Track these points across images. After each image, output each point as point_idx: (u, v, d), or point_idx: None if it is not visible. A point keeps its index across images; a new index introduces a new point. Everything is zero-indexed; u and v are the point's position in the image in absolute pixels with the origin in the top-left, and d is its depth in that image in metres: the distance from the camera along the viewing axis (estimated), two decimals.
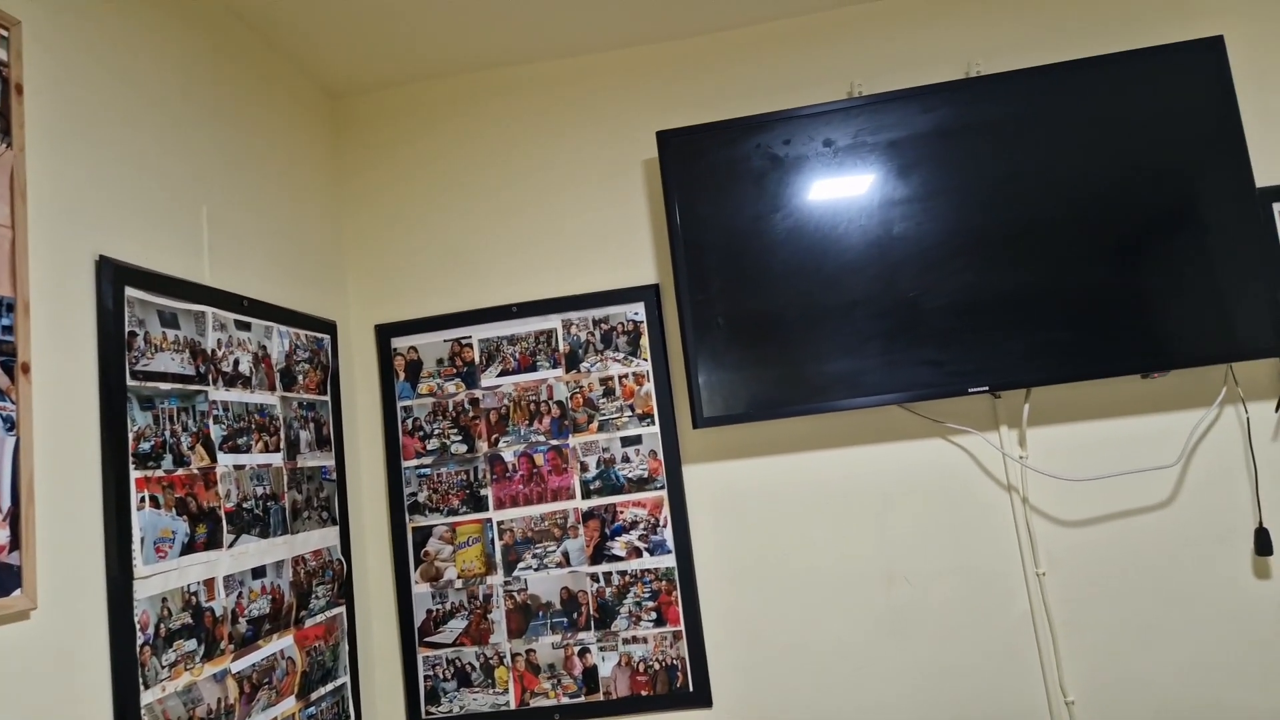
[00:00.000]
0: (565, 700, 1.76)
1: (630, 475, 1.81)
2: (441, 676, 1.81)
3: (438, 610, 1.82)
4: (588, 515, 1.81)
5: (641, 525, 1.79)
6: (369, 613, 1.86)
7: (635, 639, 1.77)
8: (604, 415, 1.83)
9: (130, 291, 1.19)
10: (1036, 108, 1.64)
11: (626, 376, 1.84)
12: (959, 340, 1.62)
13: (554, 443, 1.84)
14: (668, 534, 1.78)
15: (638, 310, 1.85)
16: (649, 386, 1.83)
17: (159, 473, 1.20)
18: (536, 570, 1.80)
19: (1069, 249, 1.61)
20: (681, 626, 1.76)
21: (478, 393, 1.87)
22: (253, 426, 1.45)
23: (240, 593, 1.35)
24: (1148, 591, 1.67)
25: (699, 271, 1.69)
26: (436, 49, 1.85)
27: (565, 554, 1.80)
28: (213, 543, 1.30)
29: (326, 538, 1.65)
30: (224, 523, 1.33)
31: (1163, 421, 1.71)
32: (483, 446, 1.85)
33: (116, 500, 1.11)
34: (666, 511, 1.79)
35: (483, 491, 1.84)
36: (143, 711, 1.11)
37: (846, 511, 1.77)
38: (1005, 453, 1.73)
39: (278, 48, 1.76)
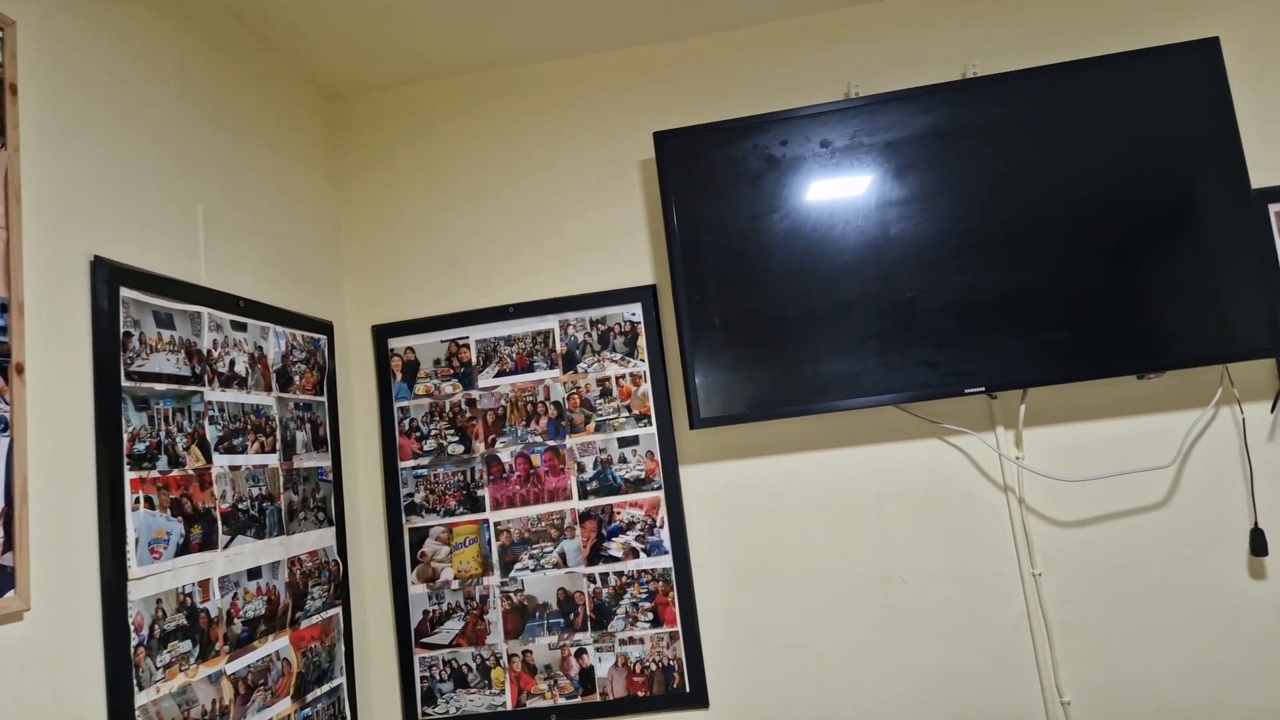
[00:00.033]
0: (562, 701, 1.76)
1: (627, 476, 1.81)
2: (438, 677, 1.80)
3: (434, 611, 1.82)
4: (584, 516, 1.81)
5: (638, 526, 1.79)
6: (365, 614, 1.85)
7: (632, 640, 1.76)
8: (601, 416, 1.83)
9: (125, 292, 1.19)
10: (1033, 109, 1.64)
11: (623, 377, 1.84)
12: (955, 341, 1.62)
13: (551, 443, 1.84)
14: (664, 535, 1.78)
15: (635, 311, 1.85)
16: (646, 387, 1.83)
17: (154, 474, 1.20)
18: (533, 571, 1.80)
19: (1065, 250, 1.61)
20: (678, 627, 1.76)
21: (475, 393, 1.87)
22: (249, 427, 1.45)
23: (236, 594, 1.35)
24: (1143, 592, 1.68)
25: (696, 272, 1.69)
26: (434, 49, 1.85)
27: (562, 555, 1.80)
28: (208, 544, 1.30)
29: (323, 539, 1.65)
30: (219, 524, 1.33)
31: (1159, 422, 1.71)
32: (479, 447, 1.85)
33: (111, 501, 1.11)
34: (663, 512, 1.79)
35: (479, 492, 1.84)
36: (137, 713, 1.10)
37: (843, 512, 1.77)
38: (1001, 453, 1.73)
39: (276, 47, 1.76)
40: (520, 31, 1.82)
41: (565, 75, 1.96)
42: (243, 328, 1.47)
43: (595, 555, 1.79)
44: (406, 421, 1.88)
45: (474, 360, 1.88)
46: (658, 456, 1.80)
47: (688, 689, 1.74)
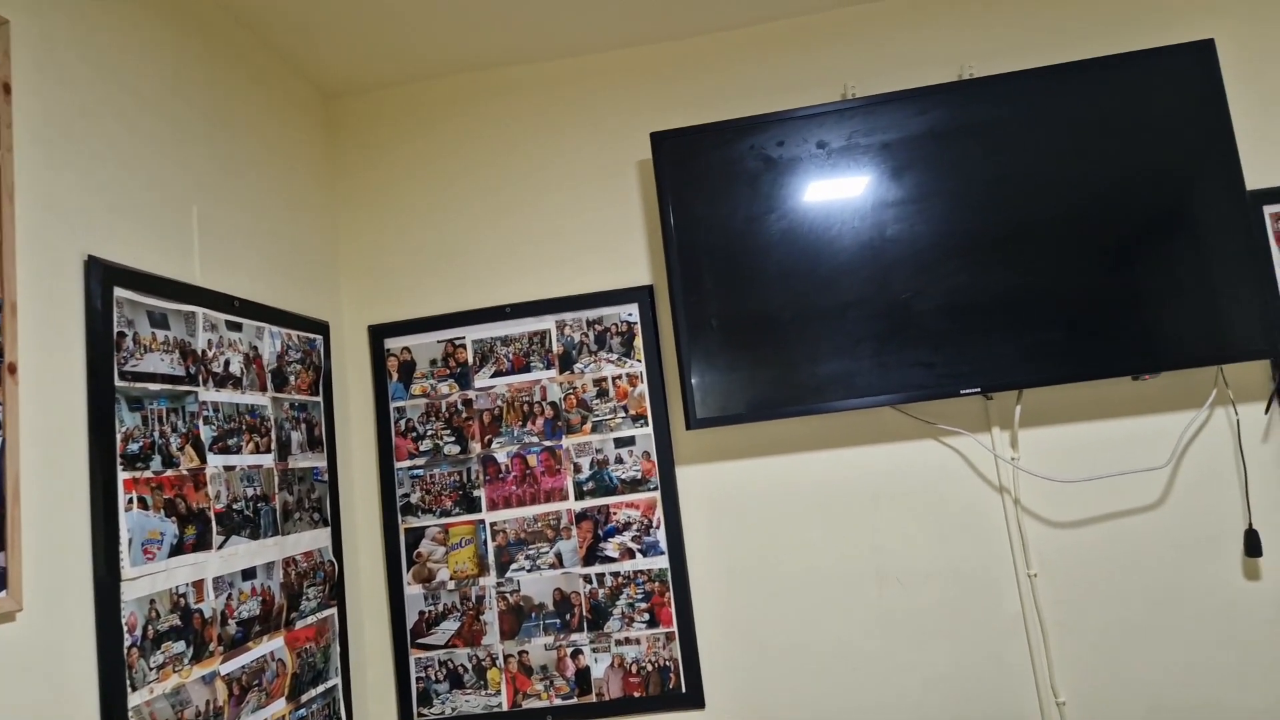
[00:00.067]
0: (558, 702, 1.76)
1: (623, 476, 1.80)
2: (434, 678, 1.80)
3: (430, 612, 1.82)
4: (581, 516, 1.80)
5: (635, 526, 1.79)
6: (361, 614, 1.85)
7: (628, 640, 1.76)
8: (597, 416, 1.83)
9: (119, 292, 1.18)
10: (1029, 110, 1.64)
11: (620, 377, 1.83)
12: (951, 342, 1.62)
13: (547, 444, 1.83)
14: (661, 535, 1.78)
15: (631, 311, 1.85)
16: (642, 387, 1.82)
17: (147, 474, 1.19)
18: (529, 571, 1.80)
19: (1061, 251, 1.61)
20: (674, 628, 1.76)
21: (471, 394, 1.87)
22: (243, 427, 1.44)
23: (230, 594, 1.34)
24: (1138, 592, 1.68)
25: (693, 273, 1.69)
26: (431, 49, 1.85)
27: (558, 555, 1.80)
28: (202, 544, 1.29)
29: (318, 539, 1.65)
30: (213, 524, 1.33)
31: (1153, 423, 1.71)
32: (476, 447, 1.85)
33: (104, 501, 1.10)
34: (659, 513, 1.79)
35: (475, 493, 1.84)
36: (130, 714, 1.10)
37: (838, 513, 1.77)
38: (997, 454, 1.74)
39: (272, 46, 1.76)
40: (518, 31, 1.82)
41: (563, 75, 1.96)
42: (238, 328, 1.47)
43: (591, 556, 1.79)
44: (402, 422, 1.88)
45: (470, 360, 1.88)
46: (654, 457, 1.80)
47: (684, 689, 1.74)
